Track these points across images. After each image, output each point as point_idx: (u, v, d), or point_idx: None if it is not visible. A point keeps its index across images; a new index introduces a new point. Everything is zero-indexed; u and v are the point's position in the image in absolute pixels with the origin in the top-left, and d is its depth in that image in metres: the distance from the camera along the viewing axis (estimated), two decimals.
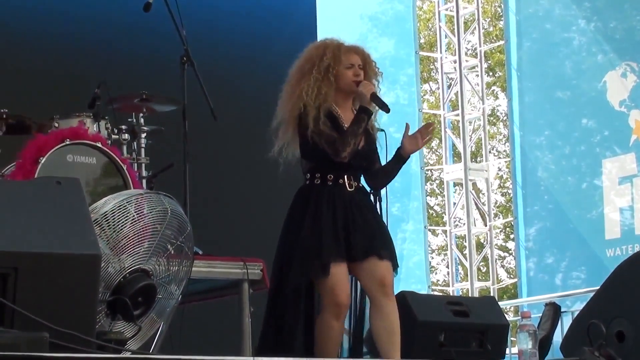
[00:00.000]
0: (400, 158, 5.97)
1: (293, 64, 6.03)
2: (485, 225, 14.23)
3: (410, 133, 5.97)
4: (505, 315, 8.14)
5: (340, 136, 5.70)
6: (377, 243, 5.78)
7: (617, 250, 11.14)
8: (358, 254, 5.67)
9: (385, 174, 6.05)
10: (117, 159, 6.63)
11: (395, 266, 5.86)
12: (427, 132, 6.03)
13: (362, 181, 5.99)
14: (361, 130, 5.76)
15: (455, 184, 14.36)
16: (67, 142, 6.50)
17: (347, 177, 5.77)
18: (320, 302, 5.74)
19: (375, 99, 5.85)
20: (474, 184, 14.33)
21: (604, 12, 12.78)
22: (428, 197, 18.05)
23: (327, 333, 5.63)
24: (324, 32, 11.51)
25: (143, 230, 5.35)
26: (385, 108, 6.05)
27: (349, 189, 5.77)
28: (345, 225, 5.69)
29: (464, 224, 14.01)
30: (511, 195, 15.04)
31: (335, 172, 5.75)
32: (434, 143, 19.10)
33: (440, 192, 19.38)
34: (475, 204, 14.23)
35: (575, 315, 5.03)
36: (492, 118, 17.13)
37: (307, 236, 5.67)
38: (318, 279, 5.63)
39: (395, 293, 6.17)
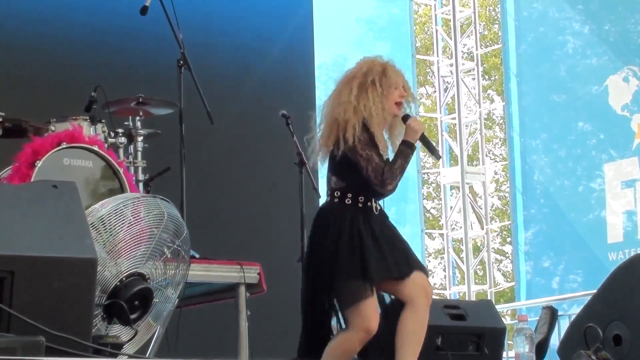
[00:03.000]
0: (407, 146, 5.77)
1: (343, 75, 5.82)
2: (482, 229, 14.25)
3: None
4: (502, 318, 8.12)
5: (389, 168, 5.61)
6: (416, 259, 5.77)
7: (620, 254, 11.14)
8: (403, 271, 5.59)
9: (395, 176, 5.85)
10: (113, 162, 6.62)
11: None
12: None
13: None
14: (406, 166, 5.70)
15: (452, 188, 14.39)
16: (64, 146, 6.49)
17: (374, 200, 5.70)
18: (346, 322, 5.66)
19: (424, 140, 5.77)
20: (471, 188, 14.34)
21: (598, 15, 12.81)
22: (425, 201, 18.04)
23: (347, 353, 5.59)
24: (320, 36, 11.53)
25: (140, 234, 5.34)
26: (436, 154, 6.11)
27: (375, 212, 5.69)
28: (380, 246, 5.59)
29: (461, 227, 14.03)
30: (507, 198, 15.07)
31: (365, 195, 5.64)
32: None
33: (437, 195, 19.38)
34: (472, 207, 14.25)
35: (572, 318, 5.03)
36: (488, 121, 17.12)
37: (351, 256, 5.55)
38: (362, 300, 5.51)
39: (393, 297, 6.17)
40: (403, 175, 5.69)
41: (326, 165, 5.87)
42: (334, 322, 5.80)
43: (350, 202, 5.64)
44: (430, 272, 18.37)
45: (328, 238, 5.63)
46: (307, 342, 5.84)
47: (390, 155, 5.78)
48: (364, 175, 5.57)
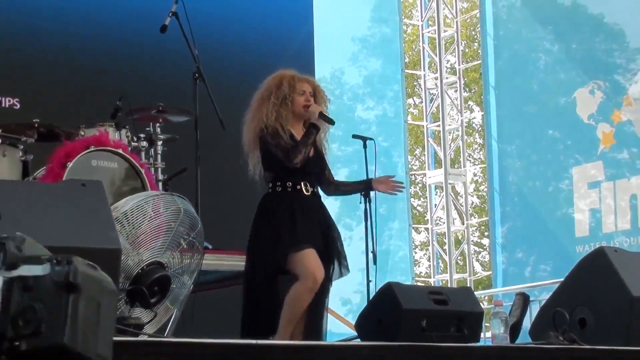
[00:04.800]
0: (367, 187, 6.42)
1: (255, 94, 6.23)
2: (463, 224, 14.23)
3: (386, 177, 6.43)
4: (480, 303, 8.11)
5: (293, 146, 5.89)
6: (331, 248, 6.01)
7: (586, 247, 11.15)
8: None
9: (340, 188, 6.43)
10: (136, 163, 6.62)
11: (340, 260, 6.08)
12: (398, 187, 6.44)
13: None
14: (311, 141, 5.96)
15: (436, 187, 14.38)
16: (92, 149, 6.48)
17: (303, 183, 5.95)
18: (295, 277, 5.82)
19: (322, 116, 6.06)
20: (453, 187, 14.33)
21: (566, 35, 12.81)
22: (412, 199, 18.04)
23: (299, 302, 5.71)
24: (320, 53, 11.52)
25: (159, 227, 5.34)
26: (331, 122, 6.26)
27: (305, 193, 5.94)
28: (305, 221, 5.86)
29: (444, 222, 14.03)
30: (485, 197, 15.05)
31: (293, 180, 5.94)
32: (417, 151, 19.10)
33: (423, 194, 19.39)
34: (454, 205, 14.24)
35: (542, 303, 5.03)
36: (468, 129, 17.10)
37: (267, 234, 5.84)
38: (290, 254, 5.72)
39: (382, 284, 6.16)
40: (309, 149, 5.96)
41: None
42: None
43: (280, 189, 5.94)
44: (416, 262, 18.38)
45: (269, 221, 5.90)
46: (251, 317, 5.97)
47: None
48: (279, 159, 5.89)
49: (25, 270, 1.56)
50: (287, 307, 5.74)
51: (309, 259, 5.75)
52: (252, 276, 5.96)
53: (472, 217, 14.99)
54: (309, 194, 5.99)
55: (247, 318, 5.97)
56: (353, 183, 6.62)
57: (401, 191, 6.88)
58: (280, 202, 5.92)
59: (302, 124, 6.14)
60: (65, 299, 1.58)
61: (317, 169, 6.13)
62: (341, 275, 6.15)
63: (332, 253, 6.01)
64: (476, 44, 16.85)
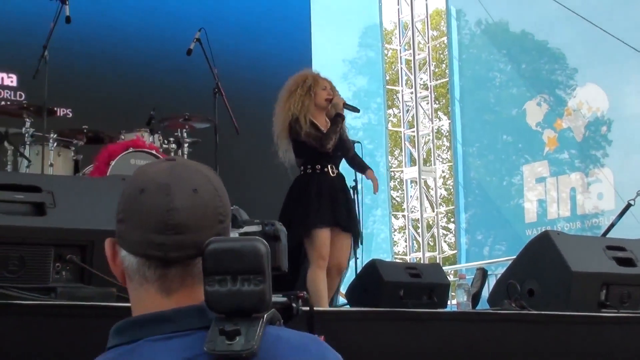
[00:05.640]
0: (363, 170, 6.26)
1: (282, 89, 6.03)
2: (433, 211, 14.22)
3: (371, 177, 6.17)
4: (447, 276, 8.10)
5: (324, 134, 5.72)
6: (353, 224, 5.81)
7: (534, 230, 11.16)
8: (339, 223, 5.65)
9: (354, 158, 6.20)
10: None
11: (356, 237, 5.88)
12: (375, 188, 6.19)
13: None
14: (338, 129, 5.78)
15: (411, 182, 14.36)
16: (131, 150, 6.49)
17: (330, 166, 5.76)
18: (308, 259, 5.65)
19: (347, 105, 5.93)
20: (425, 182, 14.32)
21: (517, 57, 12.82)
22: (392, 191, 18.01)
23: (318, 281, 5.51)
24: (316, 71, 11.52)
25: None
26: (355, 110, 6.16)
27: (331, 175, 5.75)
28: (330, 199, 5.66)
29: (418, 210, 14.03)
30: (452, 189, 15.04)
31: (321, 163, 5.74)
32: (396, 152, 19.07)
33: (401, 187, 19.35)
34: (426, 196, 14.23)
35: (498, 277, 5.03)
36: (438, 134, 17.09)
37: (300, 208, 5.63)
38: (305, 238, 5.56)
39: (367, 261, 6.15)
40: (338, 135, 5.78)
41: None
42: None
43: (310, 170, 5.74)
44: (395, 243, 18.37)
45: (299, 197, 5.70)
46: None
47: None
48: (310, 145, 5.69)
49: (246, 228, 1.87)
50: (311, 289, 5.50)
51: (320, 241, 5.54)
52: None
53: (441, 206, 14.99)
54: (334, 175, 5.78)
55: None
56: (360, 164, 6.30)
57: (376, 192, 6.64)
58: (309, 183, 5.70)
59: (323, 115, 5.92)
60: (277, 244, 1.95)
61: (341, 152, 5.91)
62: (355, 248, 6.03)
63: (354, 229, 5.82)
64: (444, 65, 16.83)
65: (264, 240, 1.51)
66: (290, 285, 5.67)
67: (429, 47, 14.31)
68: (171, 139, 7.21)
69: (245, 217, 2.00)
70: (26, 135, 6.73)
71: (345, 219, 5.69)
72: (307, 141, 5.69)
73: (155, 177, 1.57)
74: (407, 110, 14.22)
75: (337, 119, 5.81)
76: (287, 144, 5.83)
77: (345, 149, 5.97)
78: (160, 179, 1.56)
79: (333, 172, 5.77)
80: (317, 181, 5.69)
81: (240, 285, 1.46)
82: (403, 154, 14.82)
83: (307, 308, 1.89)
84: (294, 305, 1.83)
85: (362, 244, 6.17)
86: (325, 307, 5.39)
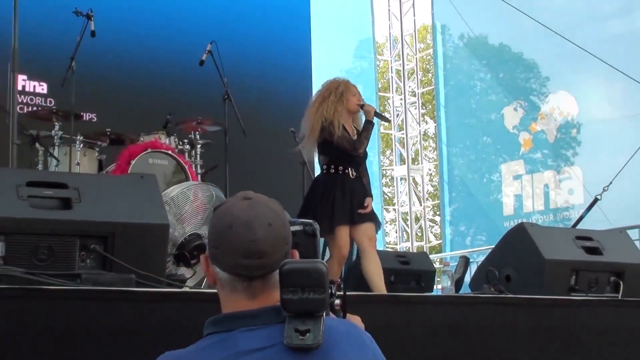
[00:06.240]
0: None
1: (315, 94, 5.86)
2: (421, 205, 14.22)
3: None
4: (433, 264, 8.10)
5: (356, 139, 5.58)
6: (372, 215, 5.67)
7: (511, 222, 11.17)
8: (357, 220, 5.52)
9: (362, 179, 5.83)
10: (181, 161, 6.60)
11: (378, 226, 5.71)
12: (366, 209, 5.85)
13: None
14: (369, 135, 5.64)
15: (401, 179, 14.36)
16: (149, 150, 6.47)
17: (350, 168, 5.61)
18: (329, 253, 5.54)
19: (377, 114, 5.77)
20: (413, 179, 14.32)
21: (495, 67, 12.83)
22: (384, 187, 17.99)
23: (333, 274, 5.37)
24: (316, 81, 11.48)
25: (197, 208, 5.32)
26: (385, 119, 6.04)
27: (351, 177, 5.61)
28: (350, 200, 5.53)
29: (407, 204, 14.02)
30: (437, 186, 15.03)
31: (342, 165, 5.59)
32: (387, 152, 19.06)
33: (392, 184, 19.33)
34: (414, 192, 14.23)
35: (479, 264, 5.02)
36: (425, 136, 17.07)
37: (323, 206, 5.49)
38: (329, 234, 5.44)
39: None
40: (369, 142, 5.65)
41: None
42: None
43: (333, 171, 5.59)
44: (387, 233, 18.37)
45: (317, 196, 5.55)
46: None
47: None
48: (342, 148, 5.53)
49: (291, 228, 2.03)
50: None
51: (340, 236, 5.44)
52: None
53: (428, 201, 14.98)
54: (353, 177, 5.60)
55: None
56: (365, 184, 5.84)
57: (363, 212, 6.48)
58: (334, 183, 5.54)
59: (351, 120, 5.72)
60: (313, 241, 2.17)
61: (361, 159, 5.74)
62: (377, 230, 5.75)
63: (374, 216, 5.67)
64: (430, 74, 16.81)
65: (324, 263, 1.86)
66: None
67: (416, 58, 14.30)
68: (185, 141, 7.20)
69: (289, 218, 2.19)
70: (55, 137, 6.72)
71: (362, 217, 5.56)
72: (339, 144, 5.54)
73: (239, 214, 1.92)
74: (397, 115, 14.21)
75: (368, 126, 5.65)
76: (314, 144, 5.66)
77: (365, 156, 5.83)
78: (243, 216, 1.91)
79: (352, 175, 5.63)
80: (341, 182, 5.56)
81: (307, 294, 1.82)
82: (393, 154, 14.81)
83: (341, 293, 2.05)
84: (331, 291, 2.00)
85: (379, 228, 5.91)
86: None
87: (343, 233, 5.45)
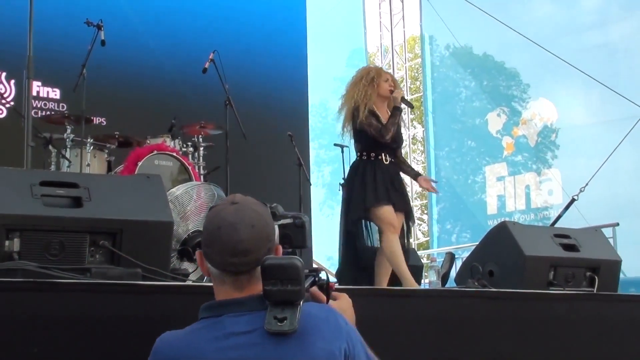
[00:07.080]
0: (414, 177, 5.65)
1: (349, 81, 5.63)
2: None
3: (425, 184, 5.59)
4: (421, 259, 8.11)
5: (384, 125, 5.33)
6: (406, 205, 5.45)
7: (495, 221, 11.21)
8: (394, 202, 5.27)
9: (400, 165, 5.58)
10: (185, 163, 6.60)
11: (409, 215, 5.42)
12: (434, 188, 5.72)
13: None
14: (397, 121, 5.36)
15: None
16: (155, 152, 6.47)
17: (384, 154, 5.37)
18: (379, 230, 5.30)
19: (404, 100, 5.50)
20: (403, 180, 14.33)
21: (479, 75, 12.86)
22: None
23: (391, 244, 5.20)
24: (312, 88, 11.52)
25: (200, 206, 5.32)
26: (410, 105, 5.80)
27: (385, 162, 5.37)
28: (384, 183, 5.29)
29: None
30: None
31: (376, 151, 5.35)
32: None
33: None
34: None
35: (464, 260, 5.03)
36: (413, 140, 17.09)
37: (358, 190, 5.28)
38: (371, 209, 5.20)
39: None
40: (396, 127, 5.36)
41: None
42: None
43: (366, 157, 5.38)
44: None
45: (355, 181, 5.34)
46: (347, 267, 5.47)
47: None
48: (370, 134, 5.31)
49: (282, 220, 2.28)
50: (389, 257, 5.19)
51: (386, 213, 5.18)
52: (346, 220, 5.38)
53: (416, 200, 14.99)
54: (387, 163, 5.34)
55: (344, 250, 5.45)
56: (408, 167, 5.70)
57: (436, 192, 6.28)
58: (366, 168, 5.29)
59: (385, 106, 5.47)
60: (302, 230, 2.39)
61: (395, 144, 5.45)
62: (411, 225, 5.51)
63: (407, 207, 5.43)
64: (419, 82, 16.82)
65: (300, 258, 2.02)
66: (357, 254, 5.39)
67: (406, 67, 14.31)
68: (189, 143, 7.20)
69: (282, 212, 2.37)
70: (67, 140, 6.73)
71: (399, 200, 5.33)
72: (366, 130, 5.29)
73: (226, 217, 2.08)
74: None
75: (395, 112, 5.37)
76: (348, 128, 5.46)
77: (399, 141, 5.53)
78: (230, 219, 2.07)
79: (386, 160, 5.37)
80: (372, 167, 5.31)
81: (285, 286, 1.98)
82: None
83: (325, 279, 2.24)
84: (317, 279, 2.21)
85: (413, 223, 5.79)
86: (402, 266, 5.12)
87: (382, 209, 5.20)
